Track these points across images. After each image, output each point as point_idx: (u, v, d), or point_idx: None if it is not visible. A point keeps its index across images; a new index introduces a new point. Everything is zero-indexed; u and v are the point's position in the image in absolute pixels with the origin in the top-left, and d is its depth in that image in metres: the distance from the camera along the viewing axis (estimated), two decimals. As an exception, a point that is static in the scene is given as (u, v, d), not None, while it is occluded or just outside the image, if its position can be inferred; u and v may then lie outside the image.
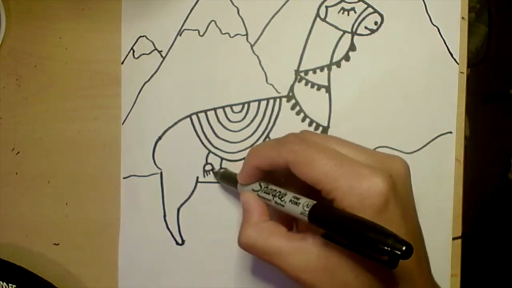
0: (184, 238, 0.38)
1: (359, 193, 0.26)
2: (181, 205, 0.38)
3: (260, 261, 0.37)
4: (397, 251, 0.22)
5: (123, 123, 0.38)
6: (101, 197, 0.39)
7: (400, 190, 0.28)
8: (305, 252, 0.28)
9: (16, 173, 0.39)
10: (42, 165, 0.39)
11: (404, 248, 0.22)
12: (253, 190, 0.33)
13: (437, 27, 0.36)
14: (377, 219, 0.25)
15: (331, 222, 0.26)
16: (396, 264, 0.24)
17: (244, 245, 0.30)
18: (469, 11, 0.36)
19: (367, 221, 0.25)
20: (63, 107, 0.39)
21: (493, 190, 0.93)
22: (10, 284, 0.37)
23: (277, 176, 0.33)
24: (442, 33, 0.36)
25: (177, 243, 0.38)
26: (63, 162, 0.39)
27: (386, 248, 0.23)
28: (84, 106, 0.39)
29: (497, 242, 0.90)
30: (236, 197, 0.37)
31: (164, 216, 0.38)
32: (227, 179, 0.36)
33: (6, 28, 0.39)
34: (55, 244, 0.39)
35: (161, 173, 0.38)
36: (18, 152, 0.39)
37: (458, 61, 0.36)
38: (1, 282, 0.37)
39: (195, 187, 0.38)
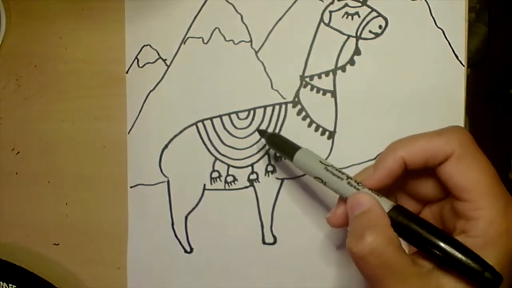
0: (192, 246, 0.38)
1: (511, 223, 0.23)
2: (189, 213, 0.38)
3: (269, 268, 0.37)
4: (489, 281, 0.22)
5: (129, 132, 0.38)
6: (101, 197, 0.39)
7: None
8: (426, 279, 0.24)
9: (16, 173, 0.39)
10: (42, 165, 0.39)
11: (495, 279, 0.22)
12: (321, 162, 0.29)
13: (442, 29, 0.36)
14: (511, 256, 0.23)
15: (418, 232, 0.24)
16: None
17: (367, 251, 0.24)
18: (469, 11, 0.36)
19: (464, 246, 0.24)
20: (63, 107, 0.39)
21: (493, 190, 0.93)
22: (10, 284, 0.37)
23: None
24: (447, 36, 0.36)
25: (185, 251, 0.38)
26: (63, 162, 0.39)
27: (481, 276, 0.22)
28: (84, 106, 0.39)
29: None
30: (244, 203, 0.37)
31: (172, 224, 0.38)
32: (277, 144, 0.34)
33: (6, 28, 0.39)
34: (55, 244, 0.39)
35: (168, 182, 0.38)
36: (18, 152, 0.39)
37: (463, 63, 0.36)
38: (1, 282, 0.37)
39: (202, 194, 0.38)
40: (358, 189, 0.27)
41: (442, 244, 0.23)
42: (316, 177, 0.30)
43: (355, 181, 0.28)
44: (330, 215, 0.29)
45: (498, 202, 0.24)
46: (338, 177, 0.28)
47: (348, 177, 0.28)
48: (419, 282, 0.24)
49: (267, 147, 0.37)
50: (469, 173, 0.24)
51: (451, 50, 0.36)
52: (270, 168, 0.37)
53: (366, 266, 0.24)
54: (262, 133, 0.35)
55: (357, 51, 0.36)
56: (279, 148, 0.34)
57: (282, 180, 0.37)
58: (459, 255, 0.23)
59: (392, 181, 0.27)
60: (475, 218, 0.24)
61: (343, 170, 0.29)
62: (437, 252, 0.24)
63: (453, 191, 0.25)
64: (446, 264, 0.24)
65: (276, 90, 0.37)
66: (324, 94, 0.37)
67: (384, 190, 0.27)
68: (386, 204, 0.26)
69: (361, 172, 0.29)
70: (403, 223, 0.25)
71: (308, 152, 0.31)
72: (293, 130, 0.37)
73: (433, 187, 0.27)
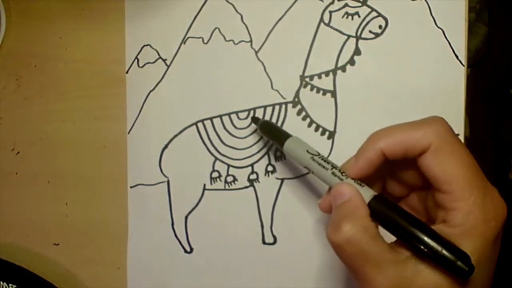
0: (192, 246, 0.38)
1: (488, 215, 0.24)
2: (189, 213, 0.38)
3: (269, 268, 0.37)
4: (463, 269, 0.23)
5: (129, 132, 0.38)
6: (101, 197, 0.39)
7: None
8: (403, 267, 0.24)
9: (16, 173, 0.39)
10: (42, 165, 0.39)
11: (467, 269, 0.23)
12: (308, 151, 0.30)
13: (442, 29, 0.36)
14: (490, 246, 0.24)
15: (396, 220, 0.25)
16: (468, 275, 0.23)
17: (343, 241, 0.25)
18: (469, 11, 0.36)
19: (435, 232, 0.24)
20: (63, 107, 0.39)
21: (493, 190, 0.93)
22: (10, 284, 0.37)
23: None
24: (447, 36, 0.36)
25: (185, 251, 0.38)
26: (63, 162, 0.39)
27: (453, 263, 0.23)
28: (84, 106, 0.39)
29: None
30: (244, 203, 0.37)
31: (172, 224, 0.38)
32: (269, 132, 0.34)
33: (6, 28, 0.39)
34: (55, 244, 0.39)
35: (168, 182, 0.38)
36: (18, 152, 0.39)
37: (463, 63, 0.36)
38: (1, 282, 0.37)
39: (202, 194, 0.38)
40: (341, 179, 0.28)
41: (418, 234, 0.24)
42: (304, 166, 0.30)
43: (340, 171, 0.28)
44: (321, 201, 0.30)
45: (476, 193, 0.24)
46: (323, 166, 0.29)
47: (333, 167, 0.28)
48: (395, 269, 0.24)
49: (267, 147, 0.37)
50: (447, 165, 0.25)
51: (451, 50, 0.36)
52: (270, 168, 0.37)
53: (344, 254, 0.25)
54: (255, 120, 0.36)
55: (357, 51, 0.36)
56: (271, 136, 0.34)
57: (282, 180, 0.37)
58: (434, 244, 0.23)
59: (373, 171, 0.27)
60: (454, 209, 0.24)
61: (330, 160, 0.29)
62: (413, 241, 0.24)
63: (433, 183, 0.25)
64: (421, 253, 0.24)
65: (276, 90, 0.37)
66: (324, 94, 0.37)
67: (373, 175, 0.28)
68: (368, 194, 0.27)
69: (345, 162, 0.29)
70: (382, 212, 0.26)
71: (297, 140, 0.32)
72: (293, 130, 0.36)
73: (417, 176, 0.28)
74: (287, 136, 0.32)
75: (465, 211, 0.24)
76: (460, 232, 0.24)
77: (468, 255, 0.23)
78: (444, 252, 0.23)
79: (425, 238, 0.24)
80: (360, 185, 0.27)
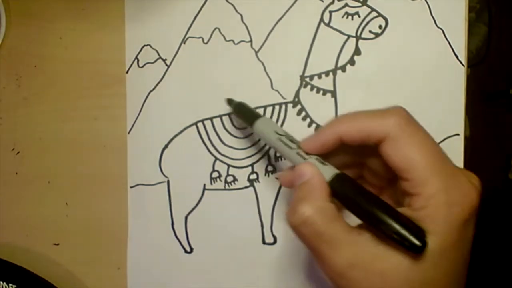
0: (192, 246, 0.38)
1: (453, 198, 0.24)
2: (189, 213, 0.38)
3: (269, 268, 0.37)
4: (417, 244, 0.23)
5: (129, 132, 0.38)
6: (101, 197, 0.39)
7: (478, 208, 0.25)
8: (360, 247, 0.25)
9: (16, 173, 0.39)
10: (42, 165, 0.39)
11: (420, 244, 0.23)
12: (275, 132, 0.30)
13: (442, 29, 0.36)
14: (457, 231, 0.24)
15: (353, 198, 0.25)
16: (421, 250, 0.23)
17: (299, 222, 0.25)
18: (469, 11, 0.36)
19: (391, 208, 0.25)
20: (63, 107, 0.39)
21: (493, 190, 0.93)
22: (10, 284, 0.37)
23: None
24: (447, 36, 0.36)
25: (185, 251, 0.38)
26: (63, 162, 0.39)
27: (408, 238, 0.23)
28: (84, 106, 0.39)
29: (497, 242, 0.90)
30: (244, 203, 0.37)
31: (172, 224, 0.38)
32: (243, 113, 0.34)
33: (6, 28, 0.39)
34: (55, 244, 0.39)
35: (168, 182, 0.38)
36: (18, 152, 0.39)
37: (463, 63, 0.36)
38: (1, 282, 0.37)
39: (202, 194, 0.38)
40: (305, 159, 0.28)
41: (371, 209, 0.24)
42: (271, 146, 0.31)
43: (304, 152, 0.28)
44: (280, 174, 0.31)
45: (437, 179, 0.24)
46: (289, 146, 0.29)
47: (298, 147, 0.29)
48: (352, 249, 0.25)
49: (267, 147, 0.37)
50: (405, 153, 0.25)
51: (451, 50, 0.36)
52: (270, 168, 0.37)
53: (300, 235, 0.26)
54: (230, 101, 0.36)
55: (357, 51, 0.36)
56: (244, 117, 0.34)
57: (282, 180, 0.37)
58: (386, 219, 0.24)
59: (326, 151, 0.28)
60: (416, 194, 0.25)
61: (298, 140, 0.29)
62: (368, 217, 0.25)
63: (395, 171, 0.26)
64: (376, 228, 0.24)
65: (276, 90, 0.37)
66: (324, 94, 0.37)
67: (352, 166, 0.29)
68: (330, 172, 0.27)
69: (304, 138, 0.29)
70: (342, 191, 0.26)
71: (266, 121, 0.32)
72: (293, 130, 0.36)
73: (385, 166, 0.28)
74: (257, 116, 0.32)
75: (427, 195, 0.24)
76: (422, 216, 0.24)
77: (423, 230, 0.24)
78: (396, 226, 0.23)
79: (378, 213, 0.24)
80: (323, 163, 0.27)
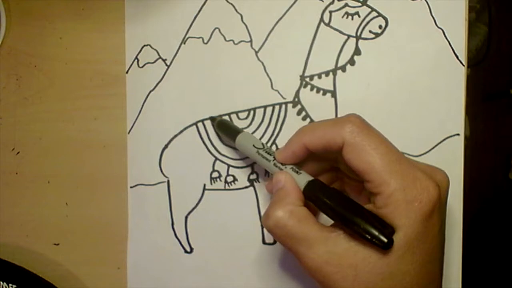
0: (192, 246, 0.38)
1: (410, 195, 0.26)
2: (189, 213, 0.38)
3: (269, 268, 0.37)
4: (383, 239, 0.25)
5: (129, 132, 0.38)
6: (101, 197, 0.39)
7: (442, 202, 0.27)
8: (333, 244, 0.27)
9: (16, 173, 0.39)
10: (42, 165, 0.39)
11: (386, 241, 0.25)
12: (254, 146, 0.33)
13: (442, 29, 0.36)
14: (419, 224, 0.26)
15: (325, 201, 0.28)
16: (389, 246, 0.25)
17: (272, 225, 0.28)
18: (469, 11, 0.36)
19: (360, 206, 0.27)
20: (63, 107, 0.39)
21: (493, 190, 0.93)
22: (10, 284, 0.37)
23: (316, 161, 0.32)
24: (447, 36, 0.36)
25: (185, 251, 0.38)
26: (63, 162, 0.39)
27: (377, 235, 0.25)
28: (84, 106, 0.39)
29: (497, 241, 0.90)
30: (244, 203, 0.37)
31: (172, 224, 0.38)
32: (225, 129, 0.36)
33: (6, 28, 0.39)
34: (55, 244, 0.39)
35: (168, 182, 0.38)
36: (18, 152, 0.39)
37: (464, 63, 0.36)
38: (1, 282, 0.37)
39: (202, 194, 0.38)
40: (281, 169, 0.31)
41: (342, 210, 0.27)
42: (252, 159, 0.33)
43: (280, 163, 0.31)
44: (267, 184, 0.33)
45: (394, 178, 0.26)
46: (267, 159, 0.32)
47: (275, 159, 0.31)
48: (325, 246, 0.27)
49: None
50: (361, 157, 0.27)
51: (451, 50, 0.36)
52: (270, 168, 0.37)
53: (276, 237, 0.29)
54: (213, 119, 0.37)
55: (357, 51, 0.36)
56: (227, 134, 0.36)
57: (282, 180, 0.37)
58: (357, 219, 0.26)
59: (298, 160, 0.31)
60: (378, 193, 0.26)
61: (273, 151, 0.32)
62: (339, 217, 0.27)
63: (357, 174, 0.28)
64: (348, 227, 0.26)
65: (276, 90, 0.37)
66: (324, 94, 0.37)
67: (322, 167, 0.32)
68: (304, 180, 0.29)
69: (277, 150, 0.32)
70: (315, 195, 0.28)
71: (246, 136, 0.34)
72: (293, 130, 0.36)
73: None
74: (238, 132, 0.35)
75: (386, 194, 0.26)
76: (385, 213, 0.26)
77: (392, 227, 0.26)
78: (365, 225, 0.25)
79: (349, 215, 0.26)
80: (297, 172, 0.30)
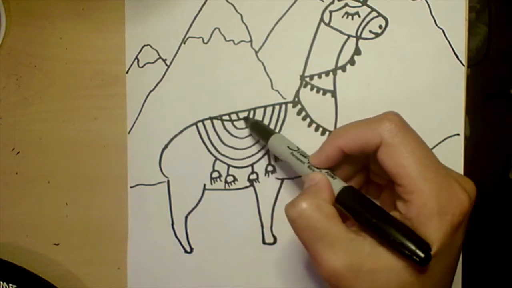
0: (192, 246, 0.38)
1: (444, 206, 0.25)
2: (189, 213, 0.38)
3: (269, 268, 0.37)
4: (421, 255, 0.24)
5: (129, 132, 0.38)
6: (101, 197, 0.39)
7: (469, 213, 0.26)
8: (356, 247, 0.25)
9: (16, 173, 0.39)
10: (42, 165, 0.39)
11: (423, 256, 0.24)
12: (288, 147, 0.32)
13: (442, 29, 0.36)
14: (447, 237, 0.25)
15: (359, 209, 0.26)
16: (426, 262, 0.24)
17: (296, 215, 0.27)
18: (469, 11, 0.36)
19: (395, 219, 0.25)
20: (63, 107, 0.39)
21: (493, 190, 0.93)
22: (10, 284, 0.37)
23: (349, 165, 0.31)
24: (447, 36, 0.36)
25: (185, 251, 0.38)
26: (63, 162, 0.39)
27: (413, 251, 0.24)
28: (84, 106, 0.39)
29: (497, 242, 0.90)
30: (244, 203, 0.37)
31: (172, 224, 0.38)
32: (259, 131, 0.36)
33: (6, 28, 0.39)
34: (55, 244, 0.39)
35: (168, 182, 0.38)
36: (18, 152, 0.39)
37: (464, 63, 0.36)
38: (1, 282, 0.37)
39: (202, 194, 0.38)
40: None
41: (380, 222, 0.25)
42: (284, 161, 0.32)
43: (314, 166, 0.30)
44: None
45: (429, 186, 0.25)
46: (301, 161, 0.31)
47: (309, 162, 0.30)
48: (348, 247, 0.25)
49: (267, 147, 0.37)
50: (397, 159, 0.26)
51: (451, 50, 0.36)
52: (270, 168, 0.37)
53: (296, 228, 0.27)
54: (246, 119, 0.37)
55: (357, 51, 0.36)
56: (260, 134, 0.36)
57: (282, 180, 0.37)
58: (394, 232, 0.24)
59: (332, 164, 0.29)
60: (409, 201, 0.25)
61: (307, 154, 0.31)
62: (375, 229, 0.25)
63: (390, 176, 0.26)
64: (384, 240, 0.25)
65: (276, 90, 0.37)
66: (324, 94, 0.37)
67: (356, 168, 0.31)
68: (339, 185, 0.28)
69: (311, 154, 0.31)
70: (350, 203, 0.27)
71: (280, 137, 0.34)
72: (293, 130, 0.37)
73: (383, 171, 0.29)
74: (271, 133, 0.34)
75: (419, 203, 0.25)
76: (416, 225, 0.25)
77: (427, 243, 0.24)
78: (403, 239, 0.24)
79: (385, 226, 0.25)
80: (333, 177, 0.29)
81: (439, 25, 0.36)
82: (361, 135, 0.27)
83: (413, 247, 0.24)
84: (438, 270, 0.25)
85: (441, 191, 0.25)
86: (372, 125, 0.27)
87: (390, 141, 0.26)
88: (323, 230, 0.26)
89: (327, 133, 0.36)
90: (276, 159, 0.37)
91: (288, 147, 0.32)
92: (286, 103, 0.37)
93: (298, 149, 0.32)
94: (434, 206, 0.24)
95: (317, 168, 0.30)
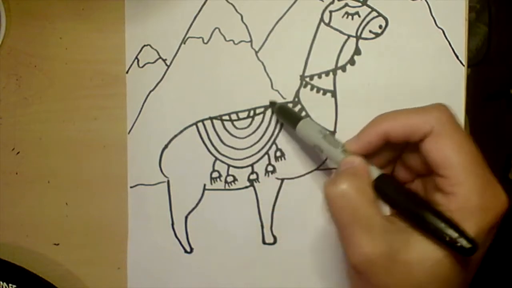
0: (192, 246, 0.38)
1: (487, 203, 0.24)
2: (189, 213, 0.38)
3: (269, 268, 0.37)
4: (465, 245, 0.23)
5: (129, 132, 0.38)
6: (101, 197, 0.39)
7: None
8: (394, 234, 0.25)
9: (16, 173, 0.39)
10: (42, 165, 0.39)
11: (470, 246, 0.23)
12: (320, 132, 0.31)
13: (442, 29, 0.36)
14: (484, 234, 0.24)
15: (399, 198, 0.26)
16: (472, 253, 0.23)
17: (336, 194, 0.25)
18: (469, 11, 0.36)
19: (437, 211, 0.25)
20: (63, 107, 0.39)
21: (493, 190, 0.93)
22: (10, 284, 0.37)
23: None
24: (447, 36, 0.36)
25: (185, 251, 0.38)
26: (63, 162, 0.39)
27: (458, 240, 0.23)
28: (84, 106, 0.39)
29: (497, 241, 0.90)
30: (244, 203, 0.37)
31: (172, 224, 0.38)
32: (285, 116, 0.35)
33: (6, 28, 0.39)
34: (55, 244, 0.39)
35: (168, 182, 0.38)
36: (18, 152, 0.39)
37: (464, 63, 0.36)
38: (1, 282, 0.37)
39: (202, 194, 0.38)
40: None
41: (422, 211, 0.24)
42: (315, 145, 0.31)
43: (349, 152, 0.29)
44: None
45: (473, 180, 0.24)
46: (334, 145, 0.29)
47: (343, 146, 0.29)
48: (385, 234, 0.24)
49: (267, 147, 0.37)
50: (446, 151, 0.25)
51: (451, 50, 0.36)
52: (270, 168, 0.37)
53: (334, 207, 0.25)
54: (272, 104, 0.36)
55: (357, 51, 0.36)
56: (286, 119, 0.35)
57: (282, 180, 0.37)
58: (437, 222, 0.24)
59: (371, 151, 0.28)
60: (452, 193, 0.25)
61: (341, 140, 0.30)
62: (417, 218, 0.25)
63: (433, 167, 0.26)
64: (425, 230, 0.24)
65: (276, 90, 0.37)
66: (324, 94, 0.37)
67: (383, 159, 0.29)
68: (375, 172, 0.27)
69: (347, 140, 0.30)
70: (388, 191, 0.26)
71: (309, 122, 0.33)
72: (293, 130, 0.36)
73: (420, 162, 0.28)
74: (300, 118, 0.33)
75: (462, 196, 0.24)
76: (456, 217, 0.24)
77: (471, 235, 0.24)
78: (448, 230, 0.23)
79: (427, 215, 0.24)
80: (368, 164, 0.28)
81: (439, 25, 0.36)
82: (411, 121, 0.26)
83: (457, 236, 0.23)
84: (469, 267, 0.25)
85: (486, 188, 0.24)
86: (424, 113, 0.26)
87: (440, 131, 0.25)
88: (363, 213, 0.25)
89: (327, 133, 0.36)
90: (276, 159, 0.37)
91: (320, 131, 0.31)
92: (286, 103, 0.37)
93: (331, 133, 0.31)
94: (477, 200, 0.24)
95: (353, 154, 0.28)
